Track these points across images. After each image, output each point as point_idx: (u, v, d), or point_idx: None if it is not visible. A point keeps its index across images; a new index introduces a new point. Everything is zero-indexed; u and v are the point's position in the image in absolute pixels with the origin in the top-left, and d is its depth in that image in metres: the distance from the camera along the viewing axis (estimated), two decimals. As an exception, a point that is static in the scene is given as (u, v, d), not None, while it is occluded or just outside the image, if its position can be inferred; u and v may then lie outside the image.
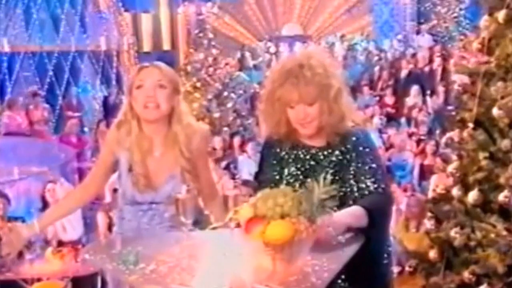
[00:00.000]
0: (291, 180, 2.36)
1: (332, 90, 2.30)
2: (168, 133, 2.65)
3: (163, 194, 2.63)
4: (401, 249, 4.29)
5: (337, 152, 2.35)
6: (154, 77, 2.61)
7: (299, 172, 2.38)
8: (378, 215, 2.23)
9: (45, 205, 5.99)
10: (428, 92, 11.83)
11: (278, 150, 2.44)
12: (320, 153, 2.38)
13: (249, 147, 8.80)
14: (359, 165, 2.33)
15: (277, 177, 2.40)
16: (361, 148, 2.35)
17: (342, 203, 2.24)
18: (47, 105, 11.38)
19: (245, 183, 6.84)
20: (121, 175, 2.70)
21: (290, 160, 2.41)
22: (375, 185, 2.30)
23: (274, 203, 1.98)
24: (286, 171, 2.40)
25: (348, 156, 2.34)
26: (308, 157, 2.39)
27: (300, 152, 2.40)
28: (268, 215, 1.97)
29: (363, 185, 2.30)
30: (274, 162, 2.44)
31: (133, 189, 2.65)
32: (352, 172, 2.33)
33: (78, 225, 5.89)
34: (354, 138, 2.36)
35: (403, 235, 5.50)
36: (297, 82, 2.27)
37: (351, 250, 2.07)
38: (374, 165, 2.33)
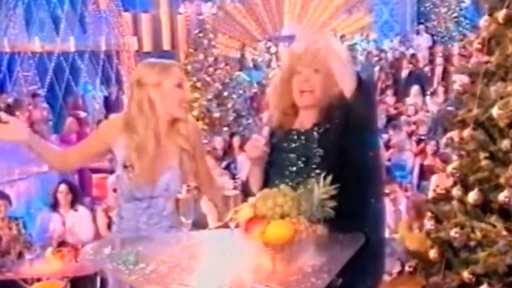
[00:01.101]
0: (283, 163, 2.40)
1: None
2: (171, 127, 2.68)
3: (161, 187, 2.64)
4: (402, 249, 4.29)
5: (326, 126, 2.37)
6: (184, 77, 2.74)
7: (291, 155, 2.41)
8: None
9: (56, 203, 5.96)
10: (428, 92, 11.84)
11: (275, 139, 2.51)
12: (310, 132, 2.41)
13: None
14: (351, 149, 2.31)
15: (271, 161, 2.46)
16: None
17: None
18: (46, 105, 11.39)
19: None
20: (118, 173, 2.70)
21: (284, 145, 2.46)
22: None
23: (274, 203, 1.98)
24: (278, 156, 2.44)
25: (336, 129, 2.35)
26: (299, 138, 2.43)
27: (292, 136, 2.45)
28: (268, 215, 1.97)
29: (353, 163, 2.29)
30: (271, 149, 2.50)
31: (131, 184, 2.64)
32: (342, 154, 2.31)
33: (87, 230, 5.84)
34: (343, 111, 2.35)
35: (406, 235, 5.50)
36: (309, 48, 2.38)
37: (350, 250, 2.07)
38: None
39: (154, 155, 2.64)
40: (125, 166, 2.65)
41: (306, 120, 2.45)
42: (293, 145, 2.44)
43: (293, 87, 2.43)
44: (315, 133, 2.39)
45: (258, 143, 2.44)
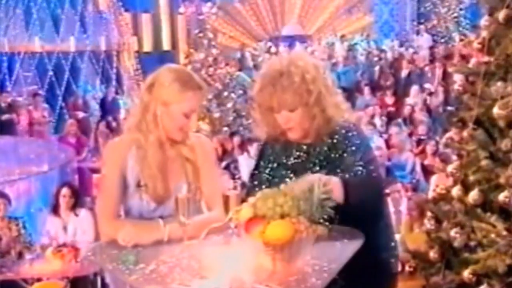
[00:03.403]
0: (283, 180, 2.37)
1: (312, 95, 2.34)
2: (176, 144, 2.48)
3: (170, 208, 2.41)
4: (403, 249, 4.29)
5: (325, 148, 2.39)
6: (199, 105, 2.50)
7: (290, 171, 2.42)
8: (355, 193, 2.20)
9: (57, 206, 5.91)
10: (428, 92, 11.84)
11: (271, 151, 2.51)
12: (310, 149, 2.42)
13: (253, 147, 8.78)
14: (347, 156, 2.34)
15: (270, 177, 2.46)
16: (349, 141, 2.36)
17: None
18: (47, 106, 11.39)
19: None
20: (130, 192, 2.46)
21: (283, 160, 2.46)
22: (364, 171, 2.31)
23: (274, 203, 1.98)
24: (278, 171, 2.45)
25: (336, 149, 2.37)
26: (299, 154, 2.44)
27: (291, 151, 2.45)
28: (268, 215, 1.97)
29: (352, 174, 2.31)
30: (267, 163, 2.50)
31: (141, 205, 2.45)
32: (339, 163, 2.34)
33: (89, 234, 5.80)
34: (343, 132, 2.38)
35: (406, 235, 5.51)
36: (274, 91, 2.34)
37: (350, 250, 2.07)
38: (363, 156, 2.34)
39: (162, 167, 2.44)
40: (138, 185, 2.44)
41: (303, 139, 2.44)
42: (294, 160, 2.44)
43: (276, 118, 2.40)
44: (317, 148, 2.39)
45: None
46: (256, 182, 2.49)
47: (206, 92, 2.50)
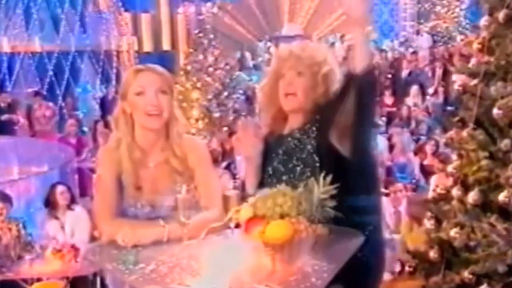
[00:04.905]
0: (278, 164, 2.45)
1: (324, 68, 2.42)
2: (164, 143, 2.46)
3: (166, 209, 2.42)
4: (403, 249, 4.29)
5: (316, 125, 2.42)
6: (156, 84, 2.41)
7: (285, 157, 2.46)
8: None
9: (53, 207, 5.92)
10: (428, 92, 11.84)
11: (267, 147, 2.55)
12: (302, 136, 2.44)
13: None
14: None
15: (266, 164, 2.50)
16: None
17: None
18: (51, 104, 11.36)
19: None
20: (123, 193, 2.46)
21: (277, 147, 2.50)
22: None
23: (273, 203, 1.98)
24: (273, 160, 2.48)
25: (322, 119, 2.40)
26: (291, 141, 2.46)
27: (283, 140, 2.49)
28: (268, 215, 1.97)
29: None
30: (264, 151, 2.55)
31: (136, 206, 2.45)
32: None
33: (86, 229, 5.80)
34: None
35: (406, 235, 5.51)
36: (293, 52, 2.47)
37: (350, 249, 2.07)
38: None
39: (143, 172, 2.43)
40: (136, 188, 2.43)
41: (295, 124, 2.49)
42: (284, 148, 2.46)
43: (279, 90, 2.47)
44: (305, 131, 2.43)
45: (250, 140, 2.47)
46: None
47: (166, 77, 2.46)
